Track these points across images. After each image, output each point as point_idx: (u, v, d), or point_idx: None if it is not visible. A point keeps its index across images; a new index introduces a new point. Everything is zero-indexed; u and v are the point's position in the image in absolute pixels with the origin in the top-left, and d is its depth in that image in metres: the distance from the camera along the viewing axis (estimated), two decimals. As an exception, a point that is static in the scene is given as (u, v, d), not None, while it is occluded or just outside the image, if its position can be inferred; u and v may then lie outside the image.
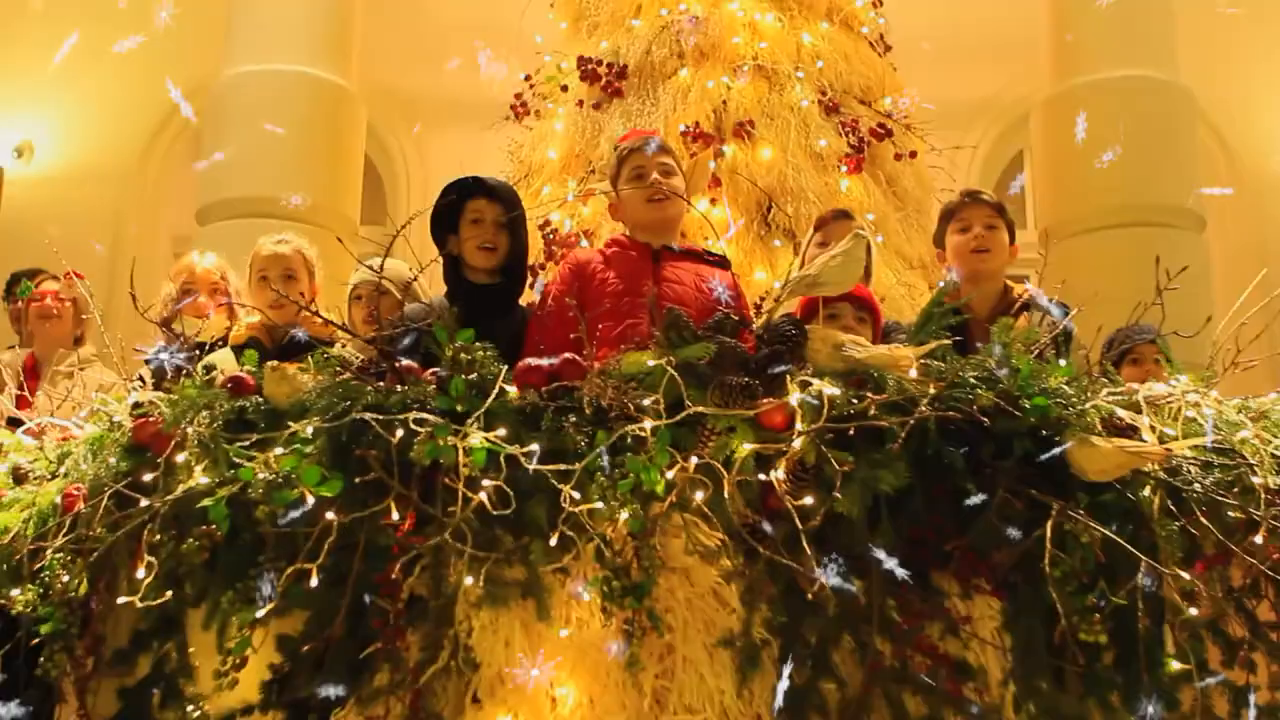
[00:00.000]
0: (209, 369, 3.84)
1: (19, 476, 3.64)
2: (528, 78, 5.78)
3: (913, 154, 5.35)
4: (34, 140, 9.39)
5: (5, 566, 3.41)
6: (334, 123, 6.11)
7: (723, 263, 3.84)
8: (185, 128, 9.38)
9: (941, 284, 3.94)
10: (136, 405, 3.26)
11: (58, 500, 3.28)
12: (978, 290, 4.02)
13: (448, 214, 3.75)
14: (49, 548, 3.15)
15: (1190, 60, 8.52)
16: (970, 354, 3.03)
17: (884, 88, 5.54)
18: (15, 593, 3.26)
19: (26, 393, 4.86)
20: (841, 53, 5.40)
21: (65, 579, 3.12)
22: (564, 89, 5.46)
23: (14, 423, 4.43)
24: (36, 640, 3.27)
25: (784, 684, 2.56)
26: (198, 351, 4.08)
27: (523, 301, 3.93)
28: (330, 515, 2.64)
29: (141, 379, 4.26)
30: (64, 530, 3.16)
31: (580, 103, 5.36)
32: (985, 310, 4.02)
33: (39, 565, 3.16)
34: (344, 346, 3.65)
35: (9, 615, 3.48)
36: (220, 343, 4.34)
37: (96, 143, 9.38)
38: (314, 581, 2.61)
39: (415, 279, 3.71)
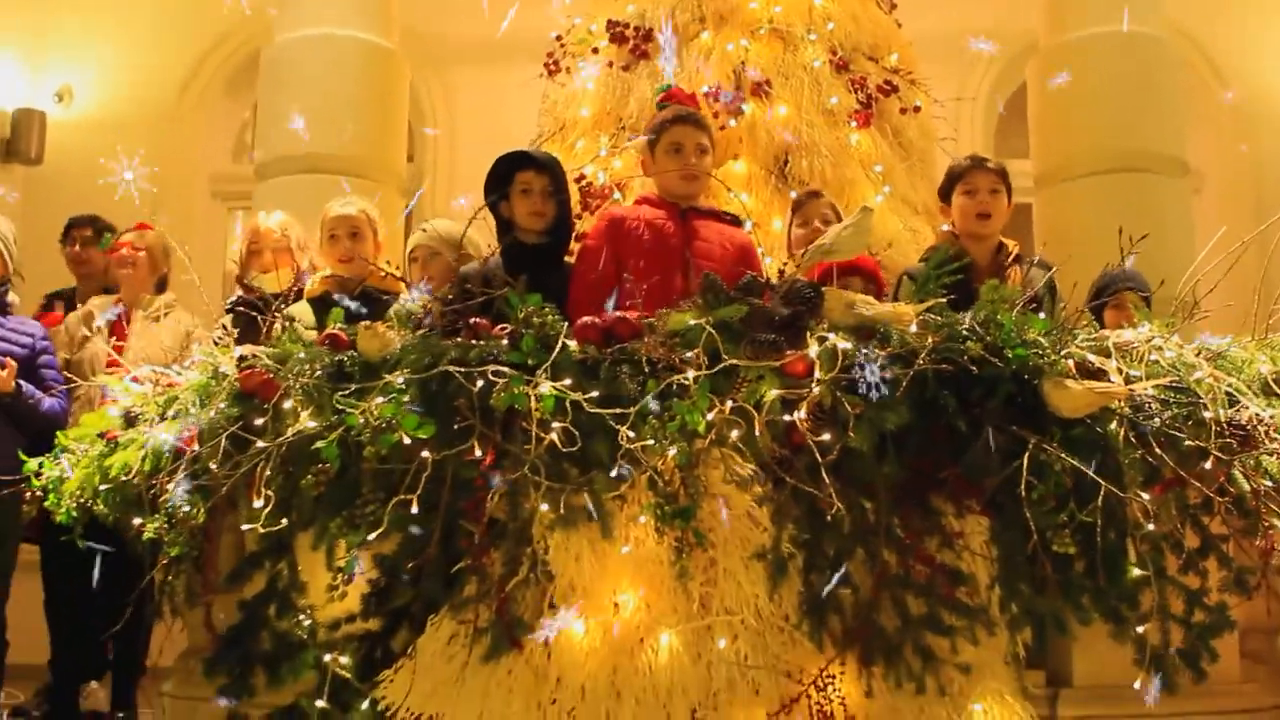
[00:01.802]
0: (290, 319, 4.36)
1: (130, 419, 4.14)
2: (559, 37, 6.20)
3: (917, 108, 5.79)
4: (73, 85, 9.54)
5: (124, 499, 3.95)
6: (380, 83, 6.50)
7: (737, 221, 4.32)
8: (220, 68, 9.69)
9: (936, 247, 4.42)
10: (241, 358, 3.75)
11: (172, 440, 3.78)
12: (978, 244, 4.54)
13: (499, 181, 4.21)
14: (171, 483, 3.65)
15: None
16: (972, 296, 3.54)
17: (890, 44, 5.95)
18: (137, 521, 3.79)
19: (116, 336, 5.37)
20: (850, 13, 5.81)
21: (186, 509, 3.63)
22: (595, 51, 5.89)
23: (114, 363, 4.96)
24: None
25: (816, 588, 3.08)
26: (277, 301, 4.61)
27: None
28: (425, 454, 3.14)
29: (224, 326, 4.77)
30: (183, 467, 3.66)
31: (610, 63, 5.79)
32: (985, 259, 4.56)
33: (163, 497, 3.67)
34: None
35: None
36: (295, 294, 4.83)
37: (133, 86, 9.51)
38: (414, 509, 3.11)
39: (463, 238, 4.20)
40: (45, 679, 5.59)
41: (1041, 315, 3.93)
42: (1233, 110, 9.21)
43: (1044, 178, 6.57)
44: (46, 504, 4.19)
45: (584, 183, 5.53)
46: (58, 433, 4.33)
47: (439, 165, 9.28)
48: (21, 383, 4.85)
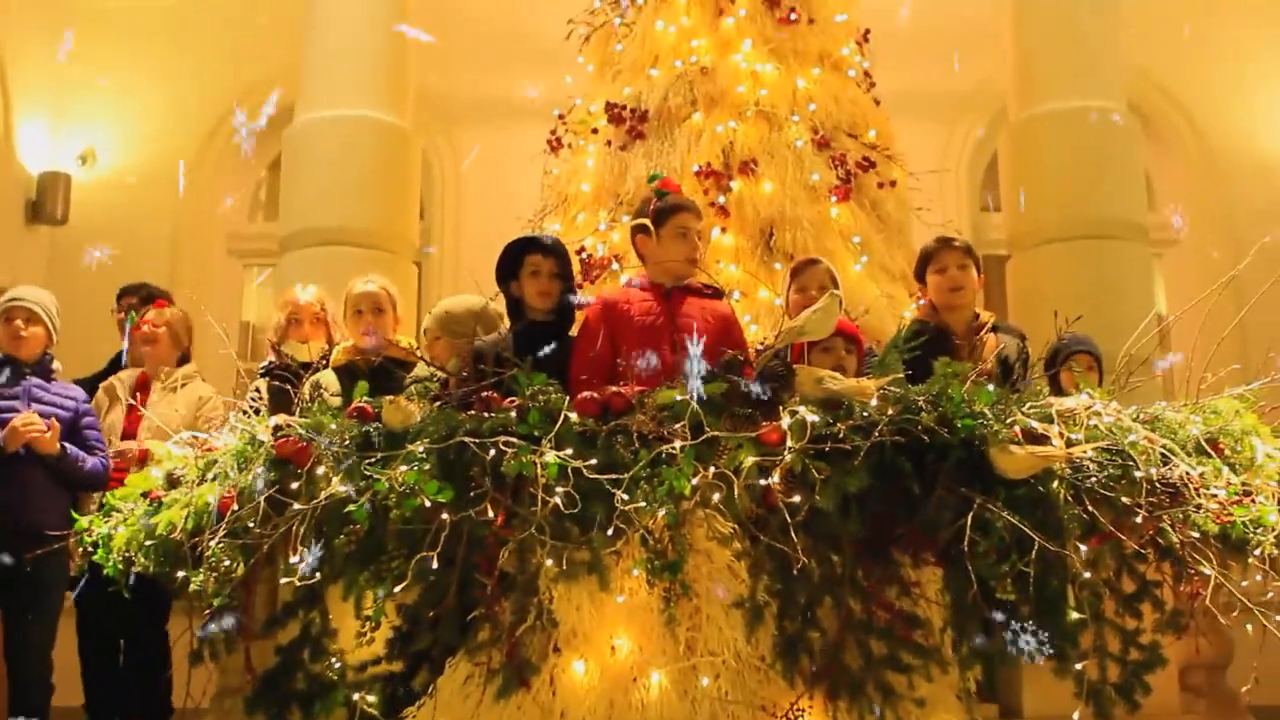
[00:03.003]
0: (316, 386, 4.81)
1: (172, 481, 4.56)
2: (561, 116, 6.67)
3: (893, 183, 6.24)
4: (95, 147, 10.01)
5: (167, 553, 4.34)
6: (395, 159, 6.99)
7: (718, 293, 4.74)
8: (237, 130, 10.15)
9: (917, 320, 4.87)
10: (277, 427, 4.17)
11: (212, 502, 4.19)
12: (954, 314, 4.96)
13: (510, 263, 4.64)
14: (212, 539, 4.06)
15: (1161, 45, 9.28)
16: (952, 358, 3.98)
17: (868, 121, 6.41)
18: (181, 574, 4.19)
19: (140, 406, 5.80)
20: (831, 94, 6.27)
21: (227, 563, 4.04)
22: (594, 131, 6.35)
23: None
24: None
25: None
26: (304, 371, 5.05)
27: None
28: (444, 515, 3.56)
29: (257, 390, 5.21)
30: (223, 526, 4.07)
31: (609, 143, 6.25)
32: (961, 327, 4.97)
33: (206, 553, 4.07)
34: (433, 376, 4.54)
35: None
36: (322, 362, 5.27)
37: (154, 148, 9.96)
38: (434, 564, 3.53)
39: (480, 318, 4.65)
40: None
41: (1014, 378, 4.42)
42: (1206, 162, 9.66)
43: (1015, 242, 7.05)
44: (95, 558, 4.61)
45: (584, 254, 5.96)
46: (106, 493, 4.77)
47: (446, 225, 9.73)
48: (66, 445, 5.26)
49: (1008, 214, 7.18)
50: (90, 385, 6.04)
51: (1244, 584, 4.13)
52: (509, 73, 8.26)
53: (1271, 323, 6.54)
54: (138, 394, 5.86)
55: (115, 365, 6.48)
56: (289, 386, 4.93)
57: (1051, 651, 3.66)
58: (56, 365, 5.62)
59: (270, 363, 5.44)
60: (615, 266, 5.80)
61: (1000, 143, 7.38)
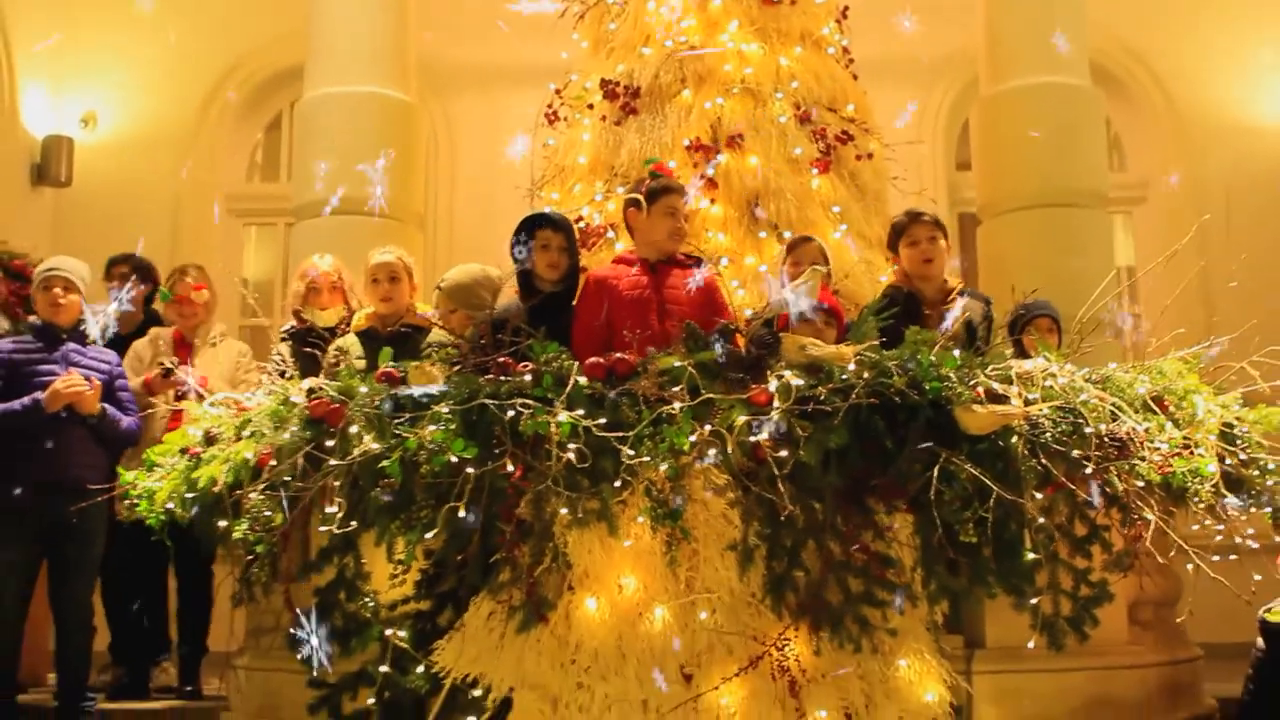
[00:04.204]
0: (340, 350, 5.20)
1: (210, 438, 4.95)
2: (557, 90, 7.04)
3: (870, 155, 6.64)
4: (97, 111, 10.29)
5: (207, 506, 4.74)
6: (400, 132, 7.38)
7: (698, 262, 5.09)
8: (237, 92, 10.41)
9: (891, 286, 5.30)
10: (310, 390, 4.56)
11: (249, 458, 4.59)
12: (927, 283, 5.38)
13: (522, 236, 5.04)
14: (253, 492, 4.46)
15: (1130, 6, 9.64)
16: (923, 324, 4.41)
17: (847, 96, 6.79)
18: (222, 524, 4.59)
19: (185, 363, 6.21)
20: (812, 72, 6.64)
21: (267, 513, 4.44)
22: (590, 107, 6.72)
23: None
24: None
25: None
26: (327, 335, 5.45)
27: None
28: (469, 470, 3.97)
29: (279, 354, 5.61)
30: (262, 480, 4.47)
31: (604, 117, 6.61)
32: (932, 293, 5.41)
33: (247, 504, 4.47)
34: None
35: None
36: (343, 326, 5.68)
37: (153, 111, 10.28)
38: (461, 513, 3.94)
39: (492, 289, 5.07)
40: (106, 662, 6.42)
41: (978, 342, 4.85)
42: (1174, 122, 10.05)
43: (984, 210, 7.48)
44: (139, 509, 5.02)
45: (581, 223, 6.35)
46: (147, 450, 5.18)
47: (440, 192, 10.07)
48: (105, 405, 5.66)
49: (978, 183, 7.61)
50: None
51: (1194, 528, 4.62)
52: (507, 44, 8.62)
53: (1234, 275, 7.05)
54: (179, 354, 6.26)
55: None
56: (312, 350, 5.37)
57: (1011, 589, 4.13)
58: (90, 331, 6.00)
59: (291, 326, 5.84)
60: (610, 235, 6.18)
61: (971, 115, 7.80)
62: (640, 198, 4.95)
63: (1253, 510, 4.85)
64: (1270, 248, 9.31)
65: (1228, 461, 4.66)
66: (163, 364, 6.05)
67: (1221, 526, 4.60)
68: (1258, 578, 4.74)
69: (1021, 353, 5.27)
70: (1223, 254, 8.37)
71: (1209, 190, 9.74)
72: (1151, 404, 4.57)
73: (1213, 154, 9.92)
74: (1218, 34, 10.01)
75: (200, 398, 5.26)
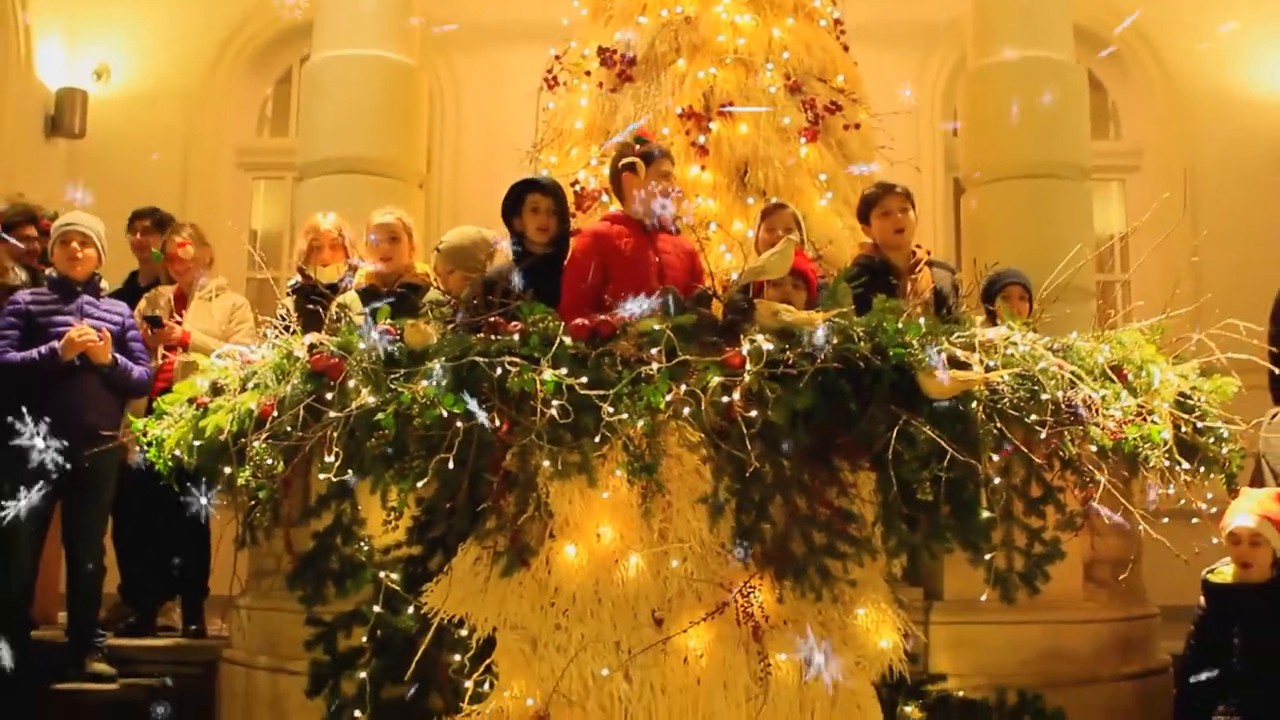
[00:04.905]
0: (342, 306, 5.43)
1: (216, 389, 5.20)
2: (557, 56, 7.24)
3: (857, 125, 6.85)
4: (110, 64, 10.42)
5: (212, 453, 4.99)
6: (403, 94, 7.61)
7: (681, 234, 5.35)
8: (245, 48, 10.54)
9: (862, 256, 5.53)
10: (312, 345, 4.79)
11: (253, 408, 4.84)
12: (897, 252, 5.62)
13: (513, 202, 5.27)
14: (256, 441, 4.71)
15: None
16: (893, 291, 4.63)
17: (837, 67, 6.99)
18: (227, 470, 4.84)
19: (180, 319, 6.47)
20: (803, 43, 6.84)
21: (269, 461, 4.69)
22: (588, 74, 6.93)
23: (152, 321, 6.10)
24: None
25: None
26: (329, 291, 5.68)
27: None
28: (459, 424, 4.21)
29: (285, 308, 5.84)
30: (265, 430, 4.72)
31: (600, 84, 6.83)
32: (901, 262, 5.63)
33: (250, 452, 4.72)
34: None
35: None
36: (344, 283, 5.92)
37: (164, 65, 10.41)
38: (450, 464, 4.19)
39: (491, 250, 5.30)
40: (114, 601, 6.71)
41: (945, 310, 5.07)
42: (1168, 89, 10.20)
43: (969, 179, 7.70)
44: (149, 455, 5.28)
45: (577, 186, 6.58)
46: (156, 399, 5.43)
47: (445, 152, 10.25)
48: (117, 355, 5.91)
49: (963, 153, 7.84)
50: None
51: (1153, 494, 4.85)
52: (507, 5, 8.79)
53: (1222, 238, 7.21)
54: (176, 308, 6.51)
55: (132, 281, 7.13)
56: (315, 307, 5.61)
57: (967, 544, 4.38)
58: (104, 284, 6.25)
59: (296, 282, 6.07)
60: (605, 199, 6.40)
61: (959, 90, 8.01)
62: (638, 161, 5.14)
63: (1211, 477, 5.11)
64: (1260, 218, 9.49)
65: (1182, 429, 4.91)
66: (144, 318, 6.30)
67: (1172, 491, 4.84)
68: (1215, 540, 5.00)
69: (994, 319, 5.48)
70: (1213, 225, 8.56)
71: (1202, 160, 9.85)
72: (1110, 373, 4.80)
73: (1206, 124, 10.02)
74: (1214, 4, 10.07)
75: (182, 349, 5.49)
